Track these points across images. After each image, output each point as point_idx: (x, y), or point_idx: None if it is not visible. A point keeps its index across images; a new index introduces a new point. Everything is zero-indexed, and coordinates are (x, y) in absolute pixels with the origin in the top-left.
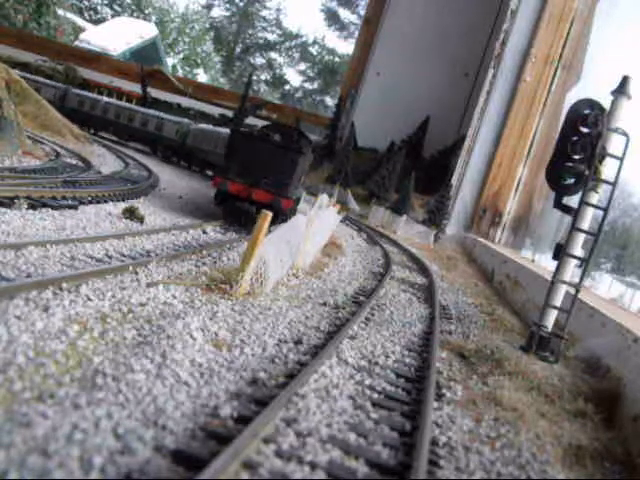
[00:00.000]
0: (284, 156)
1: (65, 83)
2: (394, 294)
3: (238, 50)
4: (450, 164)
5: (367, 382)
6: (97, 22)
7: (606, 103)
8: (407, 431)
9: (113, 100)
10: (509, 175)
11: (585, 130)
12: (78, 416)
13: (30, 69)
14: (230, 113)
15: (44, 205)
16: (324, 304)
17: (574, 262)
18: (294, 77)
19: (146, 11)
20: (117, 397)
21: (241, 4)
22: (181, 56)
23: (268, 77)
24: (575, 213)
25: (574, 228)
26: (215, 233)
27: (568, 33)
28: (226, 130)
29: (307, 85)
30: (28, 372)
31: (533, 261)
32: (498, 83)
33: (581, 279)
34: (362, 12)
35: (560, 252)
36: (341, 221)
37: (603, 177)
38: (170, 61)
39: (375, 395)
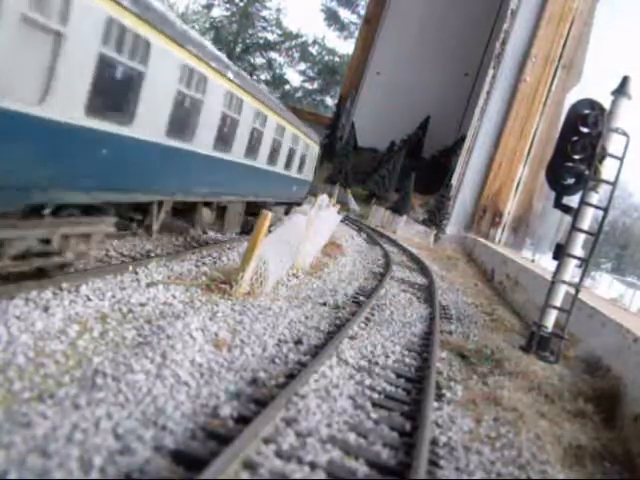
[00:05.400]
0: None
1: None
2: (394, 294)
3: (238, 50)
4: (450, 164)
5: (367, 382)
6: None
7: (606, 103)
8: (407, 431)
9: None
10: (509, 175)
11: (585, 130)
12: (78, 416)
13: None
14: None
15: None
16: (324, 304)
17: (574, 262)
18: (294, 77)
19: None
20: (117, 397)
21: (241, 4)
22: None
23: (268, 77)
24: (575, 213)
25: (574, 228)
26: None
27: (568, 33)
28: None
29: (307, 85)
30: (28, 372)
31: (533, 261)
32: (498, 83)
33: (581, 279)
34: (362, 12)
35: (560, 252)
36: (341, 221)
37: (603, 177)
38: None
39: (375, 395)
